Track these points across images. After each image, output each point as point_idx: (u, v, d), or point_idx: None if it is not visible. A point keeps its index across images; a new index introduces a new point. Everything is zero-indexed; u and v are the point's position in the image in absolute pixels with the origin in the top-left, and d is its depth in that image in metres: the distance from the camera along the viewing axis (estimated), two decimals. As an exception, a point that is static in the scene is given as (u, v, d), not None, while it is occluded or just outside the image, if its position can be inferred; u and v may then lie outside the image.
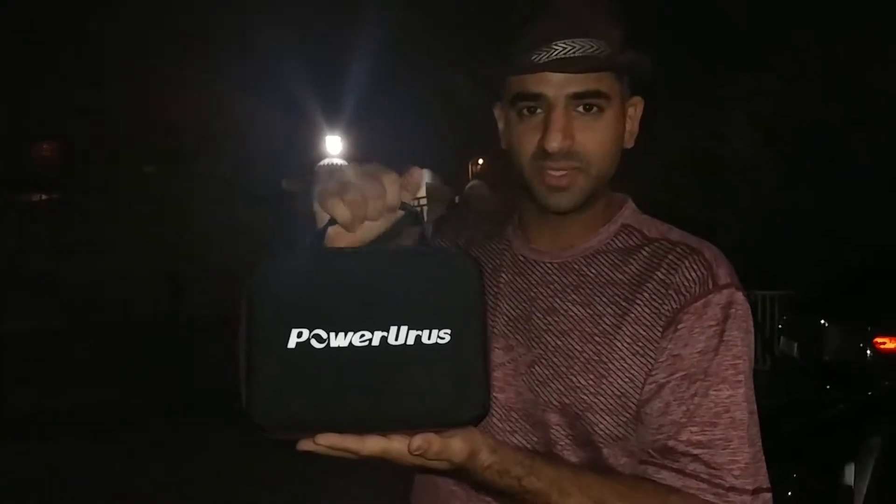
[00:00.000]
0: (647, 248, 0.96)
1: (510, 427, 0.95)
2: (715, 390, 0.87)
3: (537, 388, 0.93)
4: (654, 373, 0.89)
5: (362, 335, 0.72)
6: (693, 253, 0.94)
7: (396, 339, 0.73)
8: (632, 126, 0.99)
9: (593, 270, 0.97)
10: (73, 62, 13.34)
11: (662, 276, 0.92)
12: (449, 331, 0.74)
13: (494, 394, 0.93)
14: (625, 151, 0.99)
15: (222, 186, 13.14)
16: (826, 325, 5.58)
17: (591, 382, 0.91)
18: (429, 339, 0.73)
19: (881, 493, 2.42)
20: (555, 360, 0.93)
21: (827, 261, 7.84)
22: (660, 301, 0.91)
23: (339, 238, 0.82)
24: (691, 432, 0.86)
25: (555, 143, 0.89)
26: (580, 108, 0.91)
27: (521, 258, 1.02)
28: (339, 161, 12.69)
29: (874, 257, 6.49)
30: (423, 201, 12.44)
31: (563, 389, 0.92)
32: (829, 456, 2.51)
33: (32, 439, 5.90)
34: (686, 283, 0.91)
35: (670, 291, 0.91)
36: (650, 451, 0.89)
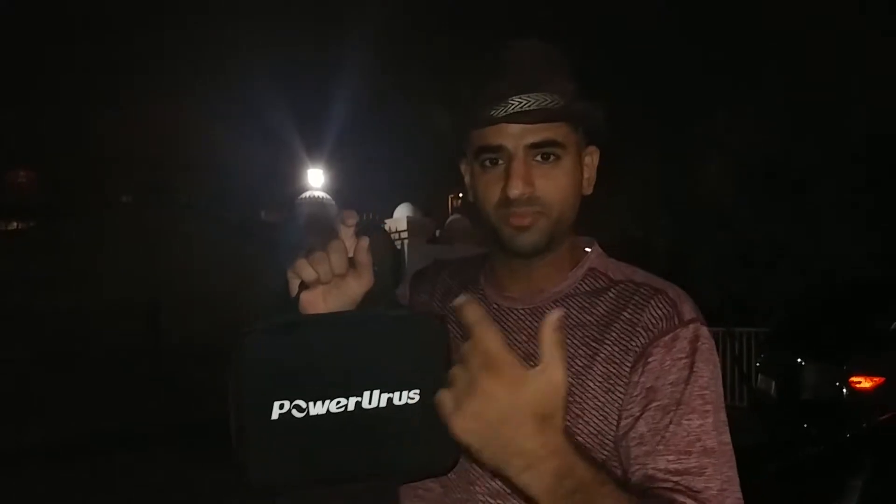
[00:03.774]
0: (613, 290, 1.01)
1: (491, 474, 0.95)
2: (687, 419, 0.89)
3: None
4: (628, 406, 0.92)
5: (338, 402, 0.80)
6: (657, 293, 0.98)
7: (370, 403, 0.80)
8: (589, 173, 1.05)
9: (563, 314, 1.01)
10: (51, 89, 13.31)
11: (629, 316, 0.96)
12: (418, 391, 0.80)
13: None
14: (588, 197, 1.05)
15: (201, 217, 13.08)
16: (802, 363, 5.62)
17: (567, 423, 0.91)
18: (399, 400, 0.80)
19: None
20: None
21: (801, 296, 7.93)
22: (627, 339, 0.95)
23: (310, 303, 0.89)
24: (668, 461, 0.88)
25: (516, 189, 0.94)
26: (538, 158, 0.96)
27: (495, 306, 1.05)
28: (320, 194, 12.70)
29: (848, 291, 6.56)
30: (404, 234, 12.44)
31: None
32: (811, 497, 2.51)
33: (6, 472, 5.77)
34: (653, 321, 0.95)
35: (638, 329, 0.95)
36: (632, 482, 0.90)
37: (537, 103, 0.94)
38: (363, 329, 0.83)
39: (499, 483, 0.95)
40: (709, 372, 0.92)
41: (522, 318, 1.02)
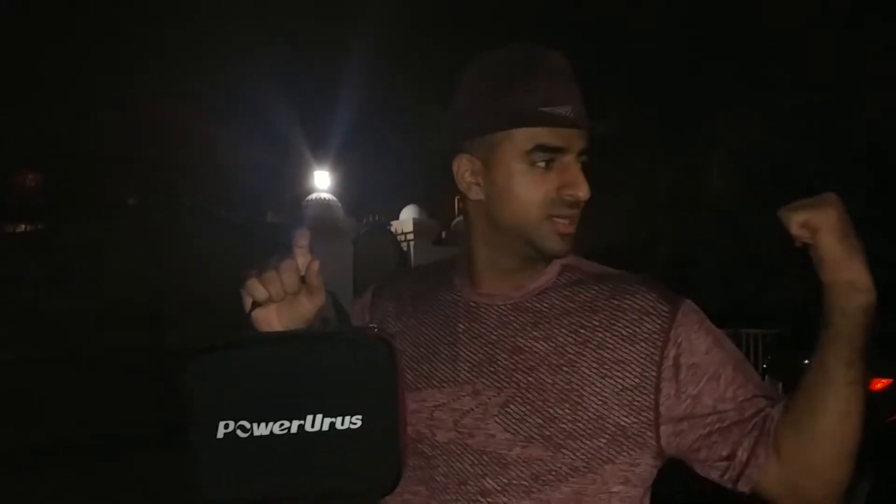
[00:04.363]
0: (591, 282, 1.04)
1: (482, 471, 0.97)
2: (732, 368, 0.98)
3: (515, 426, 0.96)
4: (683, 388, 0.96)
5: (282, 424, 0.82)
6: (635, 280, 1.04)
7: (312, 427, 0.82)
8: None
9: (546, 305, 1.03)
10: (57, 92, 13.36)
11: (617, 302, 1.00)
12: (361, 416, 0.82)
13: (465, 440, 0.98)
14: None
15: (206, 219, 13.10)
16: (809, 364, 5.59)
17: (567, 412, 0.95)
18: (342, 424, 0.82)
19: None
20: (529, 395, 0.97)
21: (808, 297, 7.90)
22: (626, 324, 0.98)
23: (263, 321, 0.91)
24: (758, 398, 0.98)
25: (586, 193, 0.98)
26: (579, 164, 1.00)
27: (473, 304, 1.06)
28: (326, 195, 12.71)
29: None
30: (410, 236, 12.44)
31: (542, 422, 0.96)
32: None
33: (7, 472, 5.78)
34: (651, 304, 0.99)
35: (633, 315, 0.99)
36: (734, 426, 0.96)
37: (584, 112, 0.98)
38: (310, 351, 0.84)
39: (490, 482, 0.96)
40: (717, 330, 1.01)
41: (504, 313, 1.03)
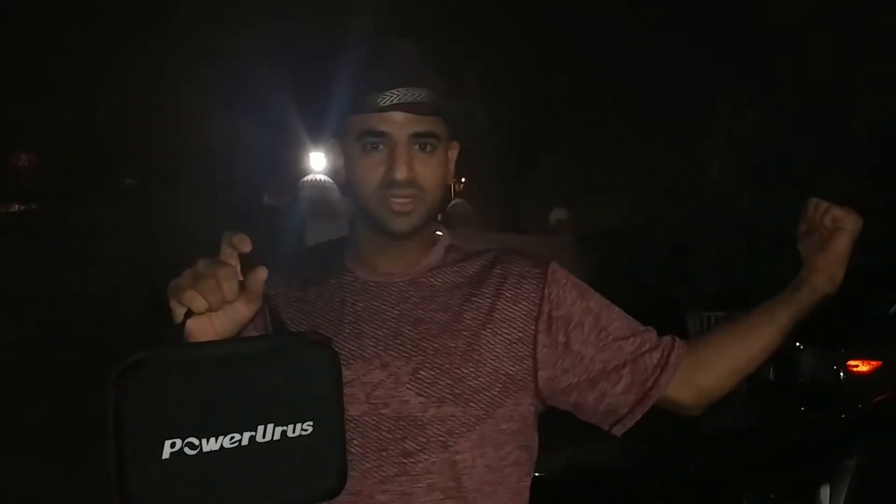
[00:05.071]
0: (473, 258, 1.18)
1: (401, 434, 1.05)
2: (593, 316, 1.14)
3: (427, 390, 1.06)
4: (554, 337, 1.11)
5: (232, 437, 0.79)
6: (508, 251, 1.18)
7: (264, 437, 0.80)
8: (451, 166, 1.17)
9: (439, 280, 1.14)
10: (53, 73, 13.26)
11: (499, 271, 1.14)
12: (311, 422, 0.82)
13: (379, 410, 1.05)
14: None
15: (203, 201, 13.06)
16: (801, 347, 5.65)
17: (471, 370, 1.07)
18: (294, 432, 0.82)
19: (855, 514, 2.44)
20: (437, 360, 1.07)
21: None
22: (508, 287, 1.13)
23: (198, 330, 0.88)
24: (630, 342, 1.15)
25: (401, 174, 1.05)
26: (417, 147, 1.07)
27: (372, 283, 1.13)
28: (322, 177, 12.68)
29: (847, 276, 6.57)
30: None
31: (451, 382, 1.06)
32: (804, 478, 2.53)
33: (7, 453, 5.81)
34: (527, 269, 1.14)
35: (513, 279, 1.13)
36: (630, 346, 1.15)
37: (420, 96, 1.04)
38: (256, 361, 0.82)
39: (410, 443, 1.05)
40: (582, 284, 1.18)
41: (403, 290, 1.12)
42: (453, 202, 5.36)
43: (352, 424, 1.01)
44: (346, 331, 1.09)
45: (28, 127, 13.69)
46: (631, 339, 1.14)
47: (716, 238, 10.28)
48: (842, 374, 5.23)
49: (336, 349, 0.96)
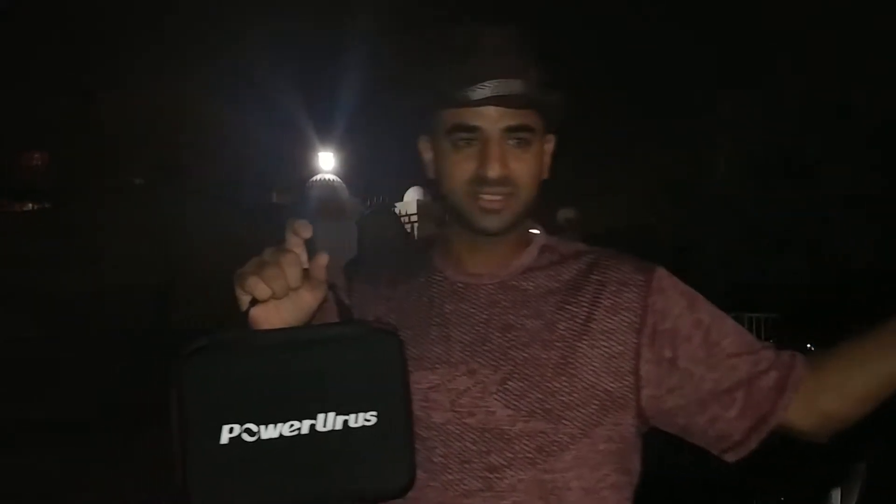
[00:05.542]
0: (570, 261, 1.08)
1: (486, 447, 0.98)
2: (704, 330, 1.03)
3: (516, 402, 0.98)
4: (660, 352, 1.01)
5: (292, 425, 0.77)
6: (609, 255, 1.08)
7: (325, 426, 0.77)
8: (547, 160, 1.09)
9: (532, 284, 1.06)
10: (65, 72, 13.33)
11: (597, 277, 1.05)
12: (375, 413, 0.79)
13: (464, 419, 0.98)
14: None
15: (212, 199, 13.11)
16: (811, 348, 5.60)
17: (564, 384, 0.99)
18: (356, 422, 0.78)
19: (865, 517, 2.43)
20: (526, 371, 0.99)
21: (811, 281, 7.90)
22: (608, 296, 1.03)
23: (263, 319, 0.85)
24: (746, 361, 1.03)
25: (493, 171, 0.98)
26: (511, 141, 1.00)
27: (461, 285, 1.07)
28: (331, 177, 12.70)
29: (856, 278, 6.54)
30: (414, 218, 12.45)
31: (542, 397, 0.98)
32: (815, 482, 2.52)
33: (15, 448, 5.85)
34: (628, 276, 1.04)
35: (613, 287, 1.03)
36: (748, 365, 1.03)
37: (514, 88, 0.98)
38: (317, 348, 0.80)
39: (495, 458, 0.97)
40: (691, 292, 1.06)
41: (492, 293, 1.05)
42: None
43: (434, 432, 0.97)
44: (434, 333, 1.03)
45: (40, 126, 13.76)
46: (745, 357, 1.02)
47: (720, 237, 10.25)
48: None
49: (422, 351, 0.91)
